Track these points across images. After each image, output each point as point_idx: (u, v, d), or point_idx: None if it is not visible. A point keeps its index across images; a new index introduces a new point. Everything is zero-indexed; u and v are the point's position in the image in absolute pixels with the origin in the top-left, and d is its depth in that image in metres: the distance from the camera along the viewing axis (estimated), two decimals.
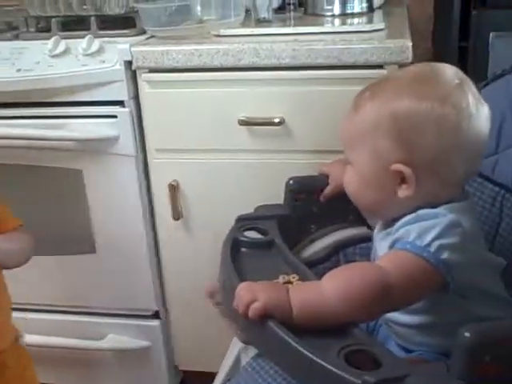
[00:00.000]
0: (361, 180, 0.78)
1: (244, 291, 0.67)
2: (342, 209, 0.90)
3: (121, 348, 1.42)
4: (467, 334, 0.58)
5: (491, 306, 0.75)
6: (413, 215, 0.73)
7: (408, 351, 0.76)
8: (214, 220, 1.25)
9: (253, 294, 0.66)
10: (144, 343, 1.41)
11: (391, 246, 0.73)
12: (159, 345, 1.42)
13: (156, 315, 1.40)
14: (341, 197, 0.86)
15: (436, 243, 0.69)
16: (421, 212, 0.73)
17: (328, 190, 0.92)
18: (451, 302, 0.73)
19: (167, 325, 1.42)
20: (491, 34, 1.26)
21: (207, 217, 1.27)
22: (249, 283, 0.69)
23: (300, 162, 1.18)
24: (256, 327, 0.66)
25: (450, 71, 0.76)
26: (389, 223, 0.79)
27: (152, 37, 1.28)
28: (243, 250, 0.81)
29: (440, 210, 0.73)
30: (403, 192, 0.74)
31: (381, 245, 0.79)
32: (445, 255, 0.69)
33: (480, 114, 0.73)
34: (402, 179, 0.74)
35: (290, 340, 0.62)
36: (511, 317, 0.76)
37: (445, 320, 0.74)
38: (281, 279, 0.73)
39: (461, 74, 0.76)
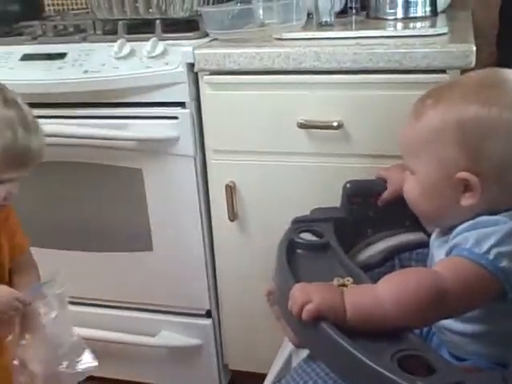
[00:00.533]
0: (422, 188, 0.77)
1: (298, 292, 0.67)
2: (399, 214, 0.89)
3: (173, 345, 1.44)
4: None
5: None
6: (471, 222, 0.72)
7: (461, 360, 0.75)
8: (269, 222, 1.26)
9: (307, 295, 0.66)
10: (195, 341, 1.43)
11: (448, 253, 0.72)
12: (210, 344, 1.43)
13: (208, 314, 1.42)
14: (398, 201, 0.85)
15: (494, 250, 0.68)
16: (480, 219, 0.72)
17: (386, 195, 0.91)
18: (507, 311, 0.71)
19: (219, 324, 1.44)
20: None
21: (263, 218, 1.28)
22: (303, 284, 0.69)
23: (357, 166, 1.17)
24: (309, 329, 0.66)
25: None
26: (446, 231, 0.78)
27: (215, 40, 1.30)
28: (299, 251, 0.81)
29: (500, 217, 0.71)
30: (467, 200, 0.73)
31: (438, 252, 0.78)
32: (504, 263, 0.67)
33: None
34: (466, 187, 0.73)
35: (343, 342, 0.62)
36: None
37: (500, 329, 0.72)
38: (335, 282, 0.73)
39: None
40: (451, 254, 0.71)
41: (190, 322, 1.43)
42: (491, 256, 0.68)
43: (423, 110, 0.76)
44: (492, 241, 0.68)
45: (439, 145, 0.73)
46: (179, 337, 1.44)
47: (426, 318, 0.68)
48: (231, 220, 1.30)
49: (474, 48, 1.08)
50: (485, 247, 0.68)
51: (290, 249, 0.80)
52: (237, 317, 1.40)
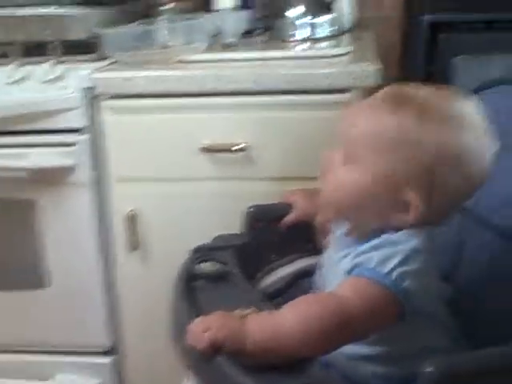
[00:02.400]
0: (365, 183, 0.71)
1: (197, 323, 0.64)
2: (302, 238, 0.87)
3: None
4: (431, 369, 0.55)
5: (440, 335, 0.74)
6: (376, 241, 0.70)
7: None
8: (174, 251, 1.17)
9: (205, 325, 0.63)
10: (95, 382, 1.34)
11: (350, 271, 0.70)
12: (112, 383, 1.35)
13: (109, 352, 1.34)
14: (302, 225, 0.83)
15: (398, 270, 0.67)
16: (385, 237, 0.70)
17: (290, 218, 0.89)
18: (403, 331, 0.70)
19: (121, 362, 1.35)
20: (455, 58, 1.27)
21: (167, 248, 1.22)
22: (203, 317, 0.66)
23: (264, 190, 1.14)
24: (206, 364, 0.62)
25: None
26: (349, 244, 0.75)
27: (115, 62, 1.25)
28: (198, 282, 0.78)
29: (403, 234, 0.70)
30: (401, 218, 0.71)
31: (336, 269, 0.75)
32: (406, 283, 0.66)
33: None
34: (405, 207, 0.70)
35: (241, 379, 0.58)
36: (459, 346, 0.74)
37: (397, 350, 0.71)
38: (238, 313, 0.70)
39: None
40: (353, 272, 0.69)
41: (88, 361, 1.34)
42: (394, 276, 0.66)
43: (400, 107, 0.71)
44: (396, 260, 0.67)
45: (401, 156, 0.69)
46: (77, 378, 1.34)
47: (331, 344, 0.66)
48: (133, 250, 1.23)
49: (376, 67, 1.09)
50: (388, 267, 0.67)
51: (189, 280, 0.76)
52: (140, 354, 1.31)
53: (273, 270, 0.88)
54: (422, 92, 0.73)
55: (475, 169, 0.71)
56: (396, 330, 0.69)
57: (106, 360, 1.34)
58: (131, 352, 1.33)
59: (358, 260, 0.70)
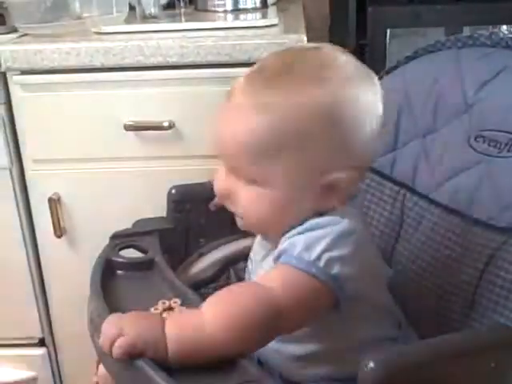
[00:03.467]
0: (278, 201, 0.64)
1: (109, 325, 0.57)
2: (233, 219, 0.80)
3: (4, 381, 1.27)
4: (372, 365, 0.51)
5: (380, 323, 0.69)
6: (302, 226, 0.64)
7: None
8: (101, 236, 1.12)
9: (119, 329, 0.55)
10: (29, 374, 1.27)
11: (276, 258, 0.63)
12: (46, 374, 1.29)
13: (41, 343, 1.27)
14: None
15: (325, 256, 0.60)
16: (310, 222, 0.64)
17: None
18: (338, 327, 0.65)
19: (54, 353, 1.29)
20: (388, 31, 1.24)
21: (94, 232, 1.13)
22: (116, 315, 0.58)
23: (193, 168, 1.08)
24: (124, 369, 0.55)
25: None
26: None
27: (25, 35, 1.15)
28: (119, 272, 0.71)
29: (332, 217, 0.64)
30: (331, 203, 0.64)
31: (265, 261, 0.69)
32: (335, 269, 0.60)
33: None
34: (330, 188, 0.63)
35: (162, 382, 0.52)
36: (404, 336, 0.70)
37: (333, 347, 0.66)
38: (160, 305, 0.63)
39: None
40: (279, 260, 0.63)
41: (21, 353, 1.27)
42: (322, 263, 0.60)
43: (265, 100, 0.61)
44: (322, 245, 0.61)
45: (299, 142, 0.61)
46: (10, 371, 1.27)
47: (261, 339, 0.60)
48: (58, 236, 1.16)
49: (305, 38, 1.04)
50: (315, 253, 0.60)
51: (108, 270, 0.69)
52: (73, 343, 1.24)
53: (202, 255, 0.82)
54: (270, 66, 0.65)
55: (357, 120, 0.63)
56: (332, 322, 0.64)
57: (39, 351, 1.28)
58: (63, 342, 1.27)
59: (283, 247, 0.63)
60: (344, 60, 0.65)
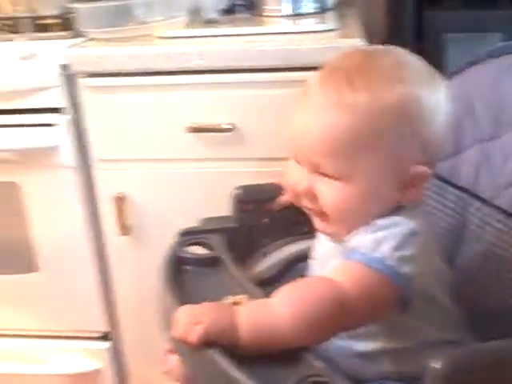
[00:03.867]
0: (362, 196, 0.66)
1: (183, 315, 0.59)
2: (296, 219, 0.82)
3: (68, 373, 1.32)
4: (439, 365, 0.52)
5: (443, 325, 0.69)
6: (370, 226, 0.65)
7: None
8: (165, 234, 1.15)
9: (193, 318, 0.58)
10: (94, 367, 1.32)
11: (344, 255, 0.65)
12: (109, 368, 1.33)
13: (106, 337, 1.32)
14: (295, 206, 0.79)
15: (393, 255, 0.62)
16: (378, 222, 0.66)
17: (284, 199, 0.80)
18: (404, 323, 0.66)
19: (118, 347, 1.33)
20: (445, 36, 1.24)
21: (158, 231, 1.18)
22: (189, 306, 0.61)
23: (252, 170, 1.11)
24: (197, 357, 0.58)
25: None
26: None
27: (91, 39, 1.20)
28: (186, 267, 0.73)
29: (399, 218, 0.66)
30: (408, 196, 0.67)
31: (331, 261, 0.70)
32: (402, 268, 0.62)
33: None
34: (413, 182, 0.66)
35: (236, 373, 0.54)
36: (465, 339, 0.71)
37: (401, 345, 0.67)
38: (228, 300, 0.66)
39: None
40: (347, 256, 0.64)
41: (85, 346, 1.32)
42: (389, 261, 0.62)
43: (348, 99, 0.64)
44: (390, 244, 0.62)
45: (386, 139, 0.64)
46: (76, 362, 1.32)
47: (328, 331, 0.61)
48: (123, 234, 1.20)
49: (363, 43, 1.05)
50: (382, 252, 0.62)
51: (176, 265, 0.72)
52: (137, 338, 1.29)
53: (265, 254, 0.84)
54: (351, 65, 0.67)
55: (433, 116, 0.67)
56: (396, 321, 0.65)
57: (104, 345, 1.32)
58: (127, 336, 1.31)
59: (352, 245, 0.65)
60: (414, 60, 0.69)
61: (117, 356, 1.34)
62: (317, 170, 0.67)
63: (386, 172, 0.66)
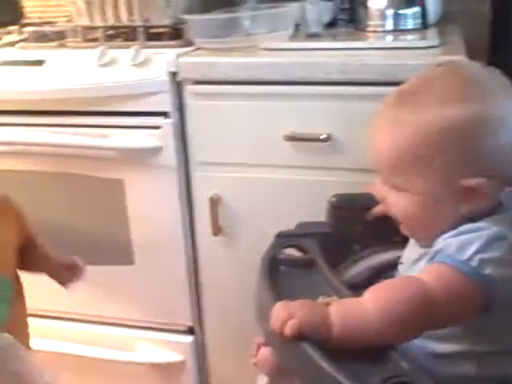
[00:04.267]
0: (420, 205, 0.72)
1: (280, 309, 0.64)
2: (387, 229, 0.84)
3: (154, 362, 1.39)
4: None
5: None
6: (455, 230, 0.69)
7: None
8: (255, 236, 1.20)
9: (290, 312, 0.63)
10: (177, 358, 1.38)
11: (430, 259, 0.69)
12: (192, 361, 1.38)
13: (190, 331, 1.38)
14: (387, 216, 0.81)
15: (478, 257, 0.64)
16: (463, 226, 0.69)
17: (379, 208, 0.85)
18: (488, 326, 0.67)
19: (202, 341, 1.39)
20: None
21: (248, 233, 1.24)
22: (286, 302, 0.65)
23: (346, 180, 1.13)
24: (291, 349, 0.61)
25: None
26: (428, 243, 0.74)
27: (199, 49, 1.26)
28: (282, 268, 0.77)
29: (483, 223, 0.68)
30: (469, 206, 0.70)
31: (417, 265, 0.74)
32: (487, 270, 0.64)
33: None
34: (472, 193, 0.69)
35: (327, 366, 0.58)
36: None
37: (477, 349, 0.68)
38: (320, 300, 0.69)
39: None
40: (434, 259, 0.68)
41: (171, 338, 1.38)
42: (474, 263, 0.64)
43: (404, 118, 0.72)
44: (474, 247, 0.65)
45: (438, 154, 0.69)
46: (160, 353, 1.39)
47: (413, 329, 0.65)
48: (215, 234, 1.25)
49: (466, 59, 1.05)
50: (467, 254, 0.65)
51: (273, 265, 0.76)
52: (221, 334, 1.35)
53: (356, 261, 0.87)
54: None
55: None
56: (481, 324, 0.67)
57: (188, 339, 1.38)
58: (213, 332, 1.36)
59: (437, 247, 0.69)
60: (482, 75, 0.72)
61: (199, 350, 1.39)
62: (386, 182, 0.74)
63: (440, 184, 0.70)
